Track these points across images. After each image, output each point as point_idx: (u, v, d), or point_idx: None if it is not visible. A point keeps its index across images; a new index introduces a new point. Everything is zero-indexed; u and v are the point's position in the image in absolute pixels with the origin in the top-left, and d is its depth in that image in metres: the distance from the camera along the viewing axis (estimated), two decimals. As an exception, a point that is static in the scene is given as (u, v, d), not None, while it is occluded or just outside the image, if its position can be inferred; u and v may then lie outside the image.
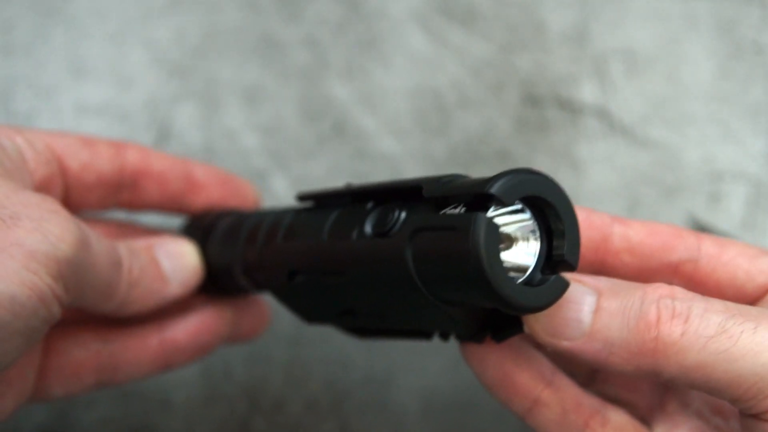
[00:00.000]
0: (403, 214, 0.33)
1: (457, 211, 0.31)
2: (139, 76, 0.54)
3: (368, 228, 0.34)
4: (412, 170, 0.53)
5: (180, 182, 0.45)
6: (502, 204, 0.30)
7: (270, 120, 0.54)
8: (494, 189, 0.30)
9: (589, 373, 0.40)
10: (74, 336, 0.42)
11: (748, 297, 0.38)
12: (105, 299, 0.38)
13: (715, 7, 0.54)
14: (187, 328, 0.44)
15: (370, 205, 0.35)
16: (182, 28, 0.54)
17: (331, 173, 0.53)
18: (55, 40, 0.54)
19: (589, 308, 0.33)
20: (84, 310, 0.39)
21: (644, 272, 0.38)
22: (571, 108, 0.53)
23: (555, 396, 0.38)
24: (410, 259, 0.31)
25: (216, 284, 0.44)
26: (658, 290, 0.32)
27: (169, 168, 0.45)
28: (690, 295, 0.32)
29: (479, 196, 0.30)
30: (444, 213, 0.31)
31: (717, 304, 0.32)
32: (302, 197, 0.40)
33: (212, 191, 0.46)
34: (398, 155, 0.53)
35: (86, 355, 0.42)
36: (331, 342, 0.52)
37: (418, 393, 0.52)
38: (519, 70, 0.54)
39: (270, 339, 0.52)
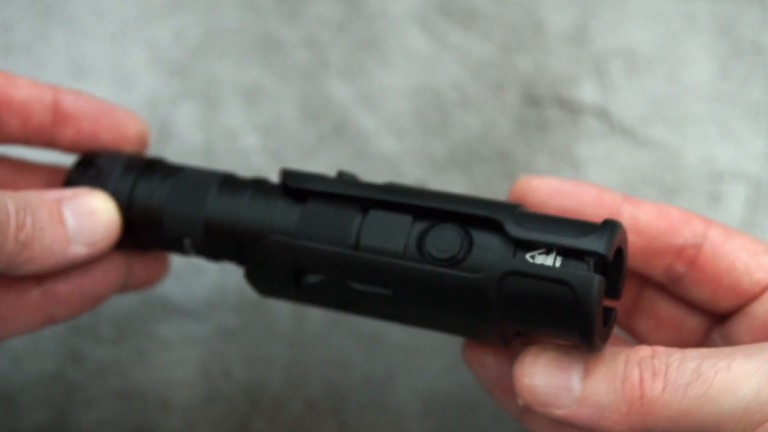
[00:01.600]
0: (476, 242, 0.35)
1: (549, 258, 0.34)
2: (139, 76, 0.54)
3: (431, 249, 0.35)
4: (412, 170, 0.53)
5: (46, 113, 0.41)
6: (605, 260, 0.33)
7: (270, 120, 0.54)
8: (603, 249, 0.33)
9: None
10: None
11: (745, 293, 0.38)
12: None
13: (715, 6, 0.54)
14: (71, 280, 0.40)
15: (409, 216, 0.36)
16: (182, 28, 0.54)
17: (331, 173, 0.53)
18: (55, 40, 0.54)
19: (578, 375, 0.34)
20: None
21: (648, 253, 0.39)
22: (571, 108, 0.53)
23: None
24: (495, 298, 0.34)
25: (133, 240, 0.41)
26: (640, 352, 0.34)
27: (34, 97, 0.41)
28: (668, 350, 0.33)
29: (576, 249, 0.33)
30: (545, 264, 0.33)
31: (692, 352, 0.33)
32: (292, 178, 0.39)
33: (84, 123, 0.42)
34: (398, 155, 0.53)
35: None
36: (331, 342, 0.52)
37: (418, 394, 0.52)
38: (519, 70, 0.54)
39: (269, 339, 0.52)
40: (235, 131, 0.53)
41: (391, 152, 0.53)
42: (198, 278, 0.52)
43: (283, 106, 0.54)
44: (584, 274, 0.32)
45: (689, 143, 0.53)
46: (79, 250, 0.38)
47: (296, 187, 0.38)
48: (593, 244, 0.33)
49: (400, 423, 0.52)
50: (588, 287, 0.32)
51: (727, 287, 0.38)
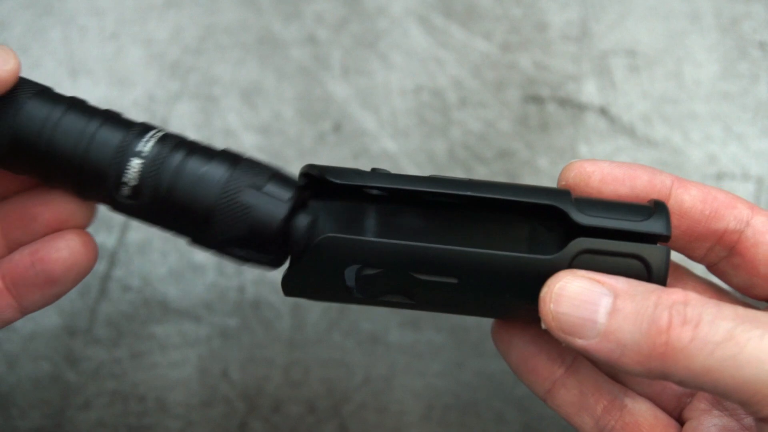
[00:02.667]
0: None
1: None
2: (137, 74, 0.54)
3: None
4: (412, 170, 0.52)
5: None
6: (667, 240, 0.36)
7: (269, 119, 0.53)
8: (665, 230, 0.36)
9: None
10: None
11: None
12: None
13: (717, 4, 0.53)
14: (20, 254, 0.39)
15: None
16: (180, 27, 0.54)
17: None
18: (51, 39, 0.54)
19: (604, 309, 0.34)
20: None
21: (689, 235, 0.39)
22: (572, 107, 0.53)
23: (574, 379, 0.40)
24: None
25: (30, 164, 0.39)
26: (672, 296, 0.33)
27: None
28: (703, 301, 0.33)
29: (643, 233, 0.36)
30: (620, 242, 0.36)
31: (727, 310, 0.33)
32: (333, 174, 0.38)
33: None
34: (398, 154, 0.53)
35: None
36: (331, 342, 0.52)
37: (418, 394, 0.51)
38: (520, 69, 0.53)
39: (268, 340, 0.52)
40: (233, 130, 0.53)
41: (391, 152, 0.53)
42: (196, 279, 0.52)
43: (282, 105, 0.53)
44: (656, 246, 0.35)
45: (691, 142, 0.52)
46: None
47: (344, 183, 0.38)
48: (655, 226, 0.36)
49: (400, 423, 0.51)
50: (661, 259, 0.35)
51: (764, 276, 0.38)
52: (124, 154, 0.37)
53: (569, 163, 0.40)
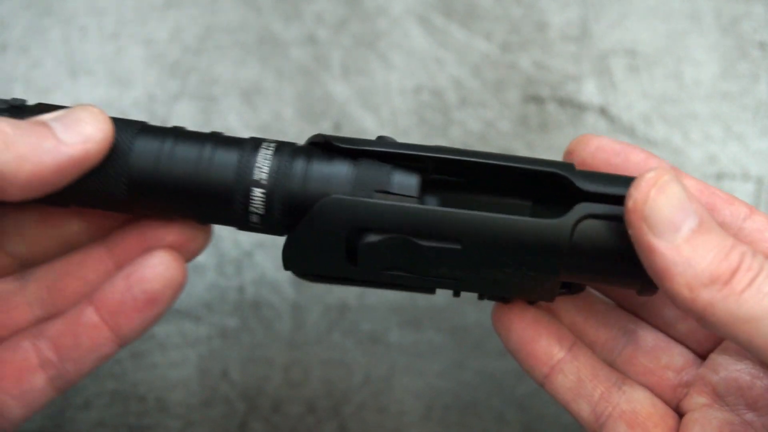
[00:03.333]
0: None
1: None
2: (137, 74, 0.54)
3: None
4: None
5: None
6: None
7: (269, 119, 0.53)
8: None
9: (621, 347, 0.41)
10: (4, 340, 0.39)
11: None
12: None
13: (717, 4, 0.53)
14: (131, 277, 0.38)
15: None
16: (180, 26, 0.54)
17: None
18: (51, 39, 0.54)
19: (690, 225, 0.34)
20: None
21: None
22: (572, 107, 0.53)
23: (572, 364, 0.40)
24: (568, 242, 0.36)
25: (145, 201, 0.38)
26: (744, 242, 0.35)
27: None
28: (763, 256, 0.34)
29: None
30: (623, 207, 0.35)
31: None
32: (338, 141, 0.38)
33: None
34: (398, 154, 0.53)
35: (23, 354, 0.38)
36: (331, 342, 0.52)
37: (418, 394, 0.51)
38: (520, 69, 0.53)
39: (268, 340, 0.52)
40: (234, 130, 0.53)
41: (391, 151, 0.53)
42: (196, 279, 0.52)
43: (282, 105, 0.53)
44: None
45: (691, 142, 0.52)
46: (72, 143, 0.35)
47: (348, 147, 0.37)
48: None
49: (400, 423, 0.51)
50: None
51: None
52: (245, 180, 0.37)
53: (582, 138, 0.41)
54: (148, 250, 0.39)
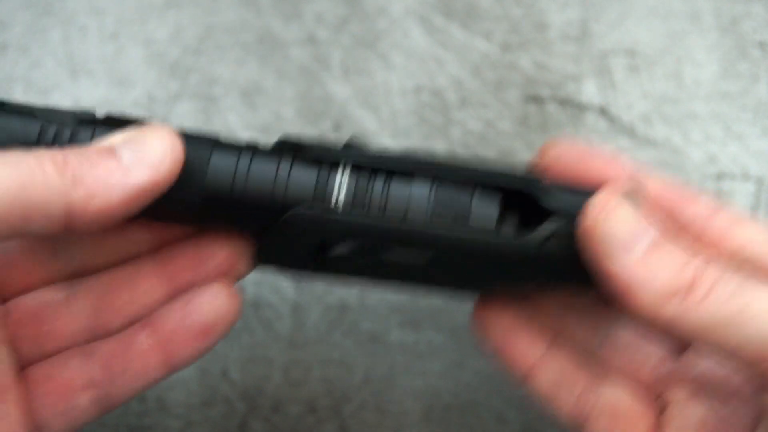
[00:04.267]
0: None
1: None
2: (137, 74, 0.54)
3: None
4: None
5: None
6: None
7: (269, 119, 0.53)
8: None
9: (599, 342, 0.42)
10: (52, 354, 0.39)
11: None
12: (46, 213, 0.33)
13: (717, 4, 0.53)
14: (174, 310, 0.39)
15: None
16: (180, 27, 0.54)
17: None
18: (51, 39, 0.54)
19: (643, 245, 0.34)
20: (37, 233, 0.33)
21: None
22: (572, 107, 0.53)
23: (553, 359, 0.40)
24: (536, 259, 0.37)
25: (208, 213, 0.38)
26: (704, 251, 0.35)
27: None
28: (725, 260, 0.35)
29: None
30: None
31: (731, 270, 0.34)
32: (305, 149, 0.38)
33: None
34: (398, 154, 0.53)
35: (71, 372, 0.38)
36: (331, 342, 0.52)
37: (419, 394, 0.51)
38: (520, 69, 0.53)
39: (268, 339, 0.52)
40: (234, 130, 0.53)
41: (391, 151, 0.53)
42: (196, 278, 0.52)
43: (282, 105, 0.53)
44: None
45: (692, 143, 0.52)
46: (140, 173, 0.34)
47: (314, 158, 0.38)
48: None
49: (400, 424, 0.51)
50: None
51: None
52: (324, 212, 0.37)
53: (549, 142, 0.42)
54: (198, 269, 0.39)
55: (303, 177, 0.37)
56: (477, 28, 0.54)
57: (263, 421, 0.51)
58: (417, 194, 0.38)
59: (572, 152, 0.41)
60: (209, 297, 0.39)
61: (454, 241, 0.37)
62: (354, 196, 0.37)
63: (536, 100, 0.53)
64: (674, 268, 0.34)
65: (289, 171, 0.37)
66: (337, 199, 0.37)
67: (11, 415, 0.36)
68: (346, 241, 0.37)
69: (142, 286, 0.40)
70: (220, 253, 0.40)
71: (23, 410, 0.37)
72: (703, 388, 0.39)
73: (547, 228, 0.37)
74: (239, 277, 0.40)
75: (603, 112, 0.53)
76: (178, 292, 0.40)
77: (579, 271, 0.37)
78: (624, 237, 0.34)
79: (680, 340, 0.40)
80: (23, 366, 0.38)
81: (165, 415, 0.51)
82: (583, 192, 0.37)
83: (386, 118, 0.53)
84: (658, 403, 0.40)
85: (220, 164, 0.37)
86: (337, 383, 0.52)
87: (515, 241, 0.37)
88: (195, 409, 0.51)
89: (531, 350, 0.41)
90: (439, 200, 0.37)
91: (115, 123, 0.37)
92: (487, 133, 0.53)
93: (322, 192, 0.37)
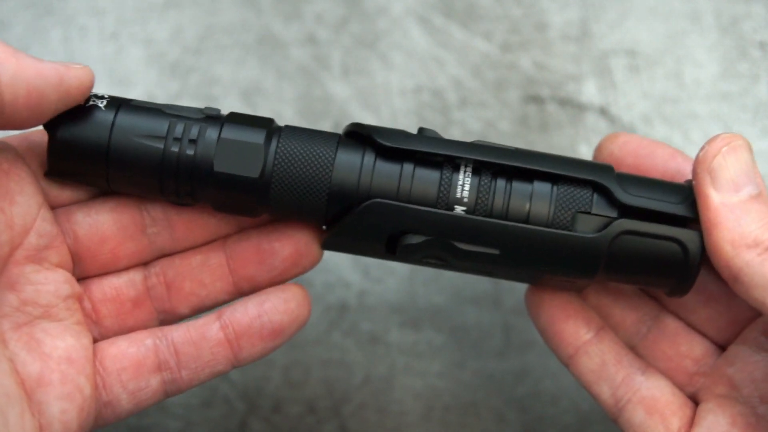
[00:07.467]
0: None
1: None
2: (137, 74, 0.54)
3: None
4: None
5: None
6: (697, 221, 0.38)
7: (269, 119, 0.53)
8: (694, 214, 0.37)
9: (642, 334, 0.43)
10: (125, 333, 0.40)
11: None
12: None
13: (717, 4, 0.53)
14: (248, 308, 0.40)
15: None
16: (180, 27, 0.54)
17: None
18: (51, 39, 0.54)
19: (749, 191, 0.36)
20: None
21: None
22: (572, 107, 0.53)
23: (597, 347, 0.41)
24: (606, 255, 0.37)
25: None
26: None
27: None
28: None
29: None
30: (657, 224, 0.37)
31: None
32: (382, 136, 0.38)
33: None
34: (398, 154, 0.53)
35: (145, 352, 0.39)
36: (331, 342, 0.52)
37: (418, 394, 0.51)
38: (520, 69, 0.53)
39: (269, 340, 0.52)
40: (233, 130, 0.53)
41: (391, 151, 0.53)
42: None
43: (282, 105, 0.53)
44: (692, 232, 0.37)
45: (691, 142, 0.52)
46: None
47: (393, 147, 0.38)
48: (691, 210, 0.37)
49: (400, 423, 0.51)
50: (697, 245, 0.37)
51: None
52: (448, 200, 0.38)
53: (611, 134, 0.42)
54: (263, 263, 0.40)
55: (386, 169, 0.38)
56: (477, 28, 0.54)
57: (263, 421, 0.51)
58: (539, 192, 0.38)
59: (633, 146, 0.42)
60: (286, 299, 0.40)
61: (529, 235, 0.37)
62: (477, 195, 0.38)
63: (536, 100, 0.53)
64: (763, 223, 0.35)
65: (374, 164, 0.38)
66: (461, 197, 0.38)
67: (84, 390, 0.37)
68: (420, 233, 0.37)
69: (209, 275, 0.41)
70: (285, 249, 0.41)
71: (95, 384, 0.38)
72: (741, 386, 0.39)
73: (618, 226, 0.37)
74: (306, 270, 0.41)
75: (603, 112, 0.53)
76: (243, 286, 0.41)
77: (647, 268, 0.38)
78: (737, 176, 0.36)
79: (728, 324, 0.41)
80: (96, 341, 0.40)
81: (164, 415, 0.51)
82: (659, 187, 0.38)
83: (386, 118, 0.53)
84: (694, 397, 0.41)
85: (346, 160, 0.38)
86: (337, 383, 0.51)
87: (586, 236, 0.37)
88: (195, 409, 0.51)
89: (578, 334, 0.41)
90: (559, 198, 0.38)
91: (241, 120, 0.39)
92: (487, 133, 0.53)
93: (446, 191, 0.38)
